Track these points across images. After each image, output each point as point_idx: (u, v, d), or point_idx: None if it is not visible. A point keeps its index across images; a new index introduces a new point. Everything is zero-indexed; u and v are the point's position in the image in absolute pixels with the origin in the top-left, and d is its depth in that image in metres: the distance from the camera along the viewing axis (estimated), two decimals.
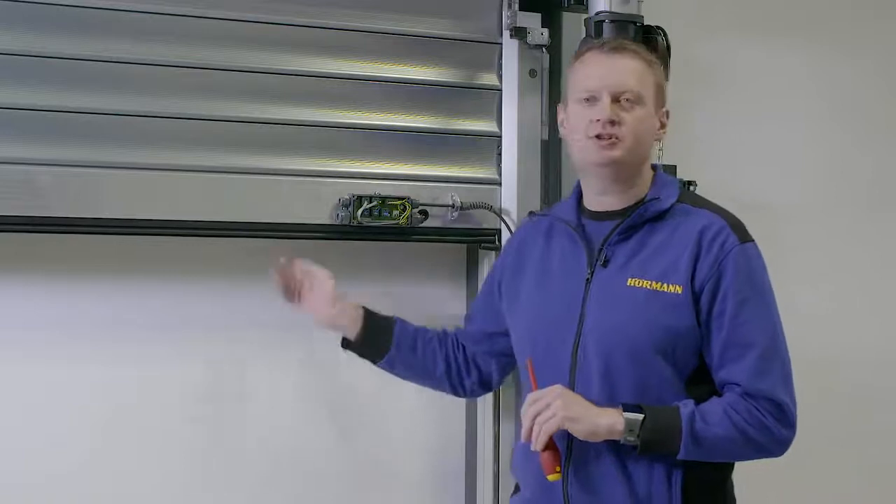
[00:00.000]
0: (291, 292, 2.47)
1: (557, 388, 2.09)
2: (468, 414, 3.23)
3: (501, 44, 3.14)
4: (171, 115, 2.82)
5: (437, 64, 3.10)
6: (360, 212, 2.93)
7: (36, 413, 2.85)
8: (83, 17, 2.74)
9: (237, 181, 2.89)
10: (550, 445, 2.09)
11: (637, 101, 2.14)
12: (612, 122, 2.12)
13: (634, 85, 2.15)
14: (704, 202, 2.23)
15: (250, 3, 2.90)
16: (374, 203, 2.95)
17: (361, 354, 2.45)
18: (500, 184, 3.15)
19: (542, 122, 3.13)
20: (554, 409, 2.05)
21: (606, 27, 3.01)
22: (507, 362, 2.47)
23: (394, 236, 3.03)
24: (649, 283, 2.11)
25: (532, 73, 3.13)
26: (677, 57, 3.08)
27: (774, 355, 2.11)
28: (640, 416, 2.04)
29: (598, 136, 2.12)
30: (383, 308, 3.17)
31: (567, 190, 2.88)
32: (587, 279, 2.16)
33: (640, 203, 2.18)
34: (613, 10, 3.02)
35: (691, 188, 3.17)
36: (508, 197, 3.12)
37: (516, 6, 3.11)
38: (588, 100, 2.15)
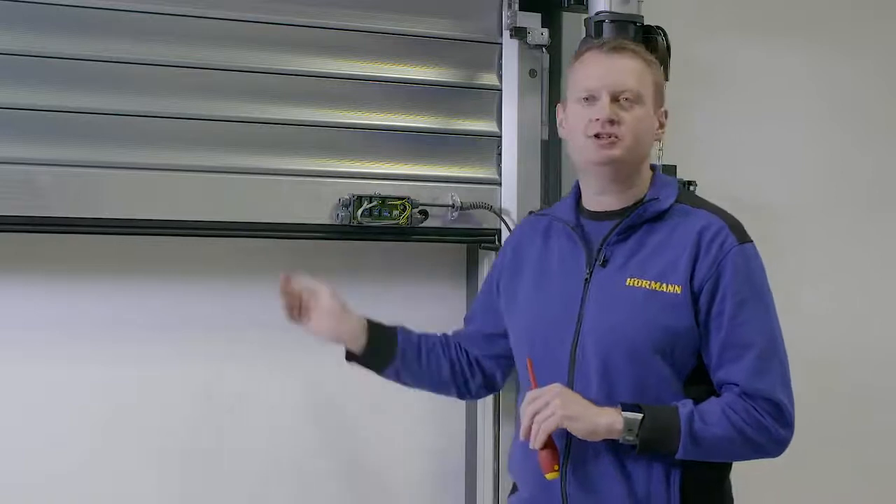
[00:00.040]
0: (296, 311, 2.41)
1: (556, 387, 2.09)
2: (468, 414, 3.23)
3: (501, 44, 3.14)
4: (171, 115, 2.82)
5: (437, 64, 3.10)
6: (360, 212, 2.93)
7: (36, 413, 2.85)
8: (83, 17, 2.74)
9: (237, 181, 2.89)
10: (549, 444, 2.09)
11: (636, 100, 2.15)
12: (612, 122, 2.12)
13: (634, 84, 2.15)
14: (703, 202, 2.23)
15: (250, 3, 2.90)
16: (374, 203, 2.95)
17: (366, 365, 2.44)
18: (500, 184, 3.15)
19: (542, 122, 3.13)
20: (553, 407, 2.05)
21: (606, 27, 3.01)
22: (510, 364, 2.47)
23: (394, 236, 3.03)
24: (648, 283, 2.11)
25: (532, 73, 3.13)
26: (677, 57, 3.08)
27: (773, 356, 2.11)
28: (639, 416, 2.05)
29: (598, 136, 2.12)
30: (384, 308, 3.17)
31: (567, 190, 2.88)
32: (586, 279, 2.16)
33: (639, 203, 2.18)
34: (613, 10, 3.02)
35: (691, 188, 3.17)
36: (508, 197, 3.13)
37: (516, 6, 3.11)
38: (587, 99, 2.15)
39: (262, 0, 2.91)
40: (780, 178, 3.65)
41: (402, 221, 2.98)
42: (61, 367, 2.86)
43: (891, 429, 3.79)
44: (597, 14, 3.03)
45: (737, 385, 2.09)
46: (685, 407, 2.07)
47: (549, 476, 2.09)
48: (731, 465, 2.21)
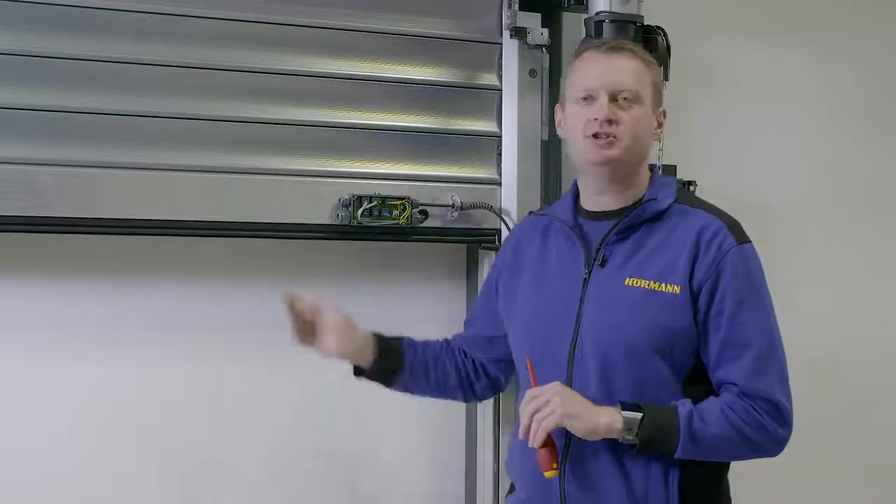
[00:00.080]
0: (304, 332, 2.38)
1: (556, 385, 2.09)
2: (468, 414, 3.23)
3: (501, 44, 3.14)
4: (171, 115, 2.82)
5: (437, 64, 3.10)
6: (360, 212, 2.93)
7: (36, 413, 2.85)
8: (83, 17, 2.74)
9: (237, 181, 2.89)
10: (548, 442, 2.09)
11: (634, 100, 2.15)
12: (610, 121, 2.12)
13: (632, 84, 2.15)
14: (702, 203, 2.23)
15: (250, 3, 2.90)
16: (374, 203, 2.95)
17: (375, 379, 2.43)
18: (500, 184, 3.15)
19: (542, 122, 3.13)
20: (553, 405, 2.05)
21: (606, 27, 3.01)
22: (513, 365, 2.46)
23: (394, 236, 3.03)
24: (647, 282, 2.11)
25: (532, 73, 3.13)
26: (677, 57, 3.08)
27: (771, 355, 2.11)
28: (639, 415, 2.05)
29: (596, 136, 2.12)
30: (384, 308, 3.18)
31: (567, 190, 2.88)
32: (584, 279, 2.16)
33: (638, 203, 2.18)
34: (613, 10, 3.02)
35: (691, 188, 3.17)
36: (508, 197, 3.13)
37: (516, 6, 3.11)
38: (586, 99, 2.16)
39: (262, 0, 2.91)
40: (780, 178, 3.65)
41: (402, 221, 2.98)
42: (61, 367, 2.86)
43: (891, 429, 3.79)
44: (597, 14, 3.03)
45: (735, 385, 2.09)
46: (684, 406, 2.07)
47: (547, 474, 2.09)
48: (729, 464, 2.21)
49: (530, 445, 2.08)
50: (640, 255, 2.14)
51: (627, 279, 2.13)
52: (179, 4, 2.82)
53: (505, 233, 3.04)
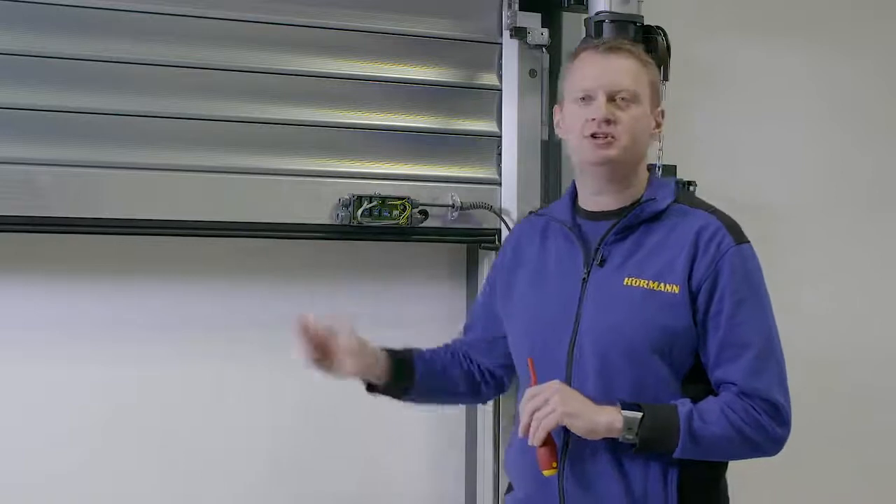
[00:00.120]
0: (320, 356, 2.31)
1: (556, 384, 2.09)
2: (468, 414, 3.23)
3: (501, 44, 3.14)
4: (171, 115, 2.82)
5: (437, 64, 3.10)
6: (360, 212, 2.94)
7: (36, 413, 2.85)
8: (83, 17, 2.74)
9: (237, 181, 2.89)
10: (548, 441, 2.09)
11: (633, 99, 2.15)
12: (608, 121, 2.12)
13: (630, 84, 2.15)
14: (700, 203, 2.23)
15: (250, 3, 2.90)
16: (374, 203, 2.95)
17: (387, 395, 2.42)
18: (500, 184, 3.15)
19: (542, 122, 3.13)
20: (553, 404, 2.05)
21: (606, 27, 3.01)
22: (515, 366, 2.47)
23: (394, 236, 3.03)
24: (646, 282, 2.11)
25: (532, 73, 3.13)
26: (677, 57, 3.08)
27: (770, 355, 2.12)
28: (639, 415, 2.05)
29: (594, 136, 2.13)
30: (384, 308, 3.18)
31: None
32: (583, 279, 2.16)
33: (637, 203, 2.18)
34: (613, 10, 3.02)
35: (691, 188, 3.17)
36: (508, 197, 3.13)
37: (516, 6, 3.11)
38: (584, 99, 2.16)
39: (262, 0, 2.91)
40: (780, 178, 3.65)
41: (402, 221, 2.98)
42: (61, 367, 2.86)
43: (891, 429, 3.79)
44: (597, 14, 3.03)
45: (735, 384, 2.09)
46: (684, 406, 2.07)
47: (546, 473, 2.09)
48: (727, 464, 2.21)
49: (530, 443, 2.08)
50: (638, 254, 2.14)
51: (626, 279, 2.13)
52: (179, 4, 2.82)
53: (505, 233, 3.04)
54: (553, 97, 3.12)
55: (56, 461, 2.85)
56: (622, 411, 2.05)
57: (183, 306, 2.98)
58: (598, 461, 2.12)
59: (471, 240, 3.15)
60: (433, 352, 2.43)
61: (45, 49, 2.71)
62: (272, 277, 3.07)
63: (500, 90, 3.15)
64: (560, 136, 2.28)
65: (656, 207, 2.17)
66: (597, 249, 2.17)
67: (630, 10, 3.04)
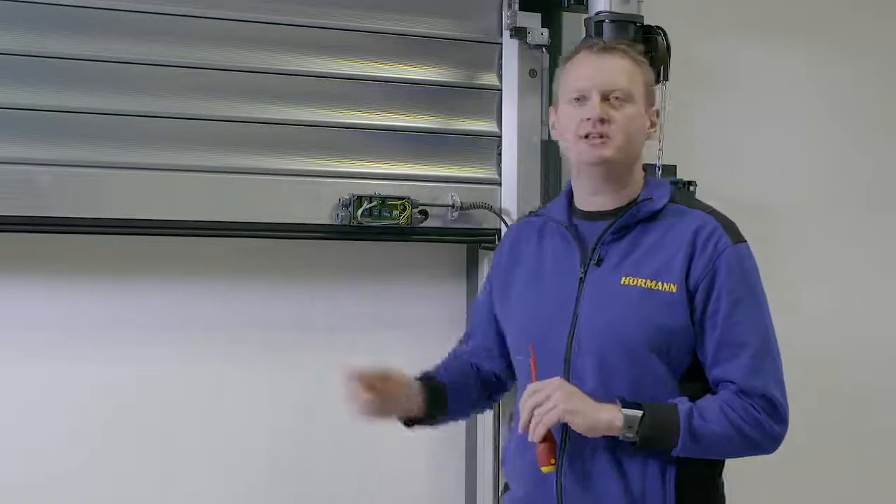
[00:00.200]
0: (380, 406, 2.25)
1: (557, 381, 2.09)
2: None
3: (501, 44, 3.14)
4: (171, 115, 2.82)
5: (437, 64, 3.10)
6: (360, 212, 2.94)
7: (36, 413, 2.85)
8: (83, 17, 2.74)
9: (237, 181, 2.89)
10: (547, 437, 2.09)
11: (627, 99, 2.15)
12: (602, 121, 2.13)
13: (624, 83, 2.16)
14: (697, 203, 2.24)
15: (250, 3, 2.90)
16: (374, 203, 2.95)
17: (423, 425, 2.40)
18: (500, 184, 3.15)
19: (542, 122, 3.13)
20: (554, 400, 2.05)
21: (606, 27, 3.01)
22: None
23: (394, 236, 3.03)
24: (643, 281, 2.12)
25: (532, 73, 3.13)
26: (677, 57, 3.08)
27: (767, 354, 2.13)
28: (639, 413, 2.05)
29: (588, 136, 2.13)
30: (384, 308, 3.18)
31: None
32: (580, 278, 2.17)
33: (633, 203, 2.19)
34: (613, 10, 3.02)
35: (691, 188, 3.17)
36: (508, 197, 3.13)
37: (516, 6, 3.11)
38: (578, 99, 2.16)
39: (262, 0, 2.91)
40: (780, 178, 3.65)
41: (402, 221, 2.98)
42: (61, 367, 2.86)
43: (891, 429, 3.79)
44: (597, 14, 3.03)
45: (733, 383, 2.10)
46: (684, 404, 2.08)
47: (545, 469, 2.09)
48: (724, 462, 2.21)
49: (530, 440, 2.08)
50: (635, 254, 2.15)
51: (623, 278, 2.13)
52: (179, 4, 2.82)
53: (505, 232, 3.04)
54: (553, 97, 3.12)
55: (56, 461, 2.85)
56: (622, 409, 2.06)
57: (183, 306, 2.99)
58: (597, 459, 2.12)
59: (471, 240, 3.15)
60: (450, 371, 2.40)
61: (45, 49, 2.71)
62: (272, 277, 3.07)
63: (500, 90, 3.15)
64: (555, 137, 2.28)
65: (653, 207, 2.17)
66: (594, 249, 2.17)
67: (630, 10, 3.04)
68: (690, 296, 2.10)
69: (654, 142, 3.02)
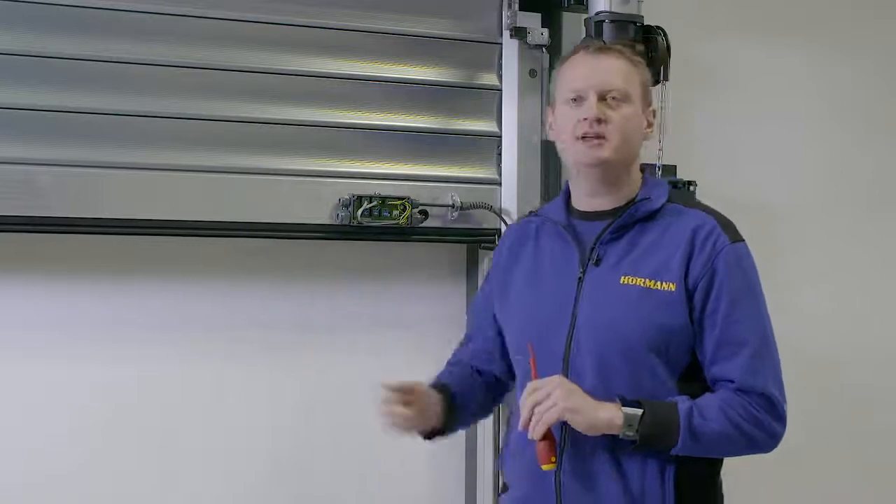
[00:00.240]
0: (415, 420, 2.25)
1: (558, 379, 2.09)
2: None
3: (501, 44, 3.14)
4: (171, 115, 2.82)
5: (437, 64, 3.10)
6: (360, 212, 2.94)
7: (36, 413, 2.85)
8: (83, 17, 2.74)
9: (237, 181, 2.89)
10: (547, 435, 2.08)
11: (624, 99, 2.16)
12: (599, 121, 2.13)
13: (620, 83, 2.16)
14: (695, 202, 2.25)
15: (250, 3, 2.90)
16: (374, 203, 2.95)
17: (441, 435, 2.40)
18: (500, 184, 3.15)
19: (542, 122, 3.13)
20: (554, 398, 2.05)
21: (606, 27, 3.01)
22: None
23: (394, 236, 3.03)
24: (642, 280, 2.12)
25: (532, 73, 3.13)
26: (677, 57, 3.08)
27: (766, 352, 2.13)
28: (639, 411, 2.05)
29: (585, 136, 2.13)
30: (384, 308, 3.18)
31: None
32: (579, 278, 2.17)
33: (631, 203, 2.19)
34: (613, 10, 3.02)
35: (691, 188, 3.17)
36: (508, 197, 3.13)
37: (516, 6, 3.11)
38: (575, 100, 2.16)
39: (262, 0, 2.91)
40: (780, 178, 3.65)
41: (402, 221, 2.98)
42: (61, 367, 2.86)
43: (891, 429, 3.79)
44: (597, 14, 3.04)
45: (732, 381, 2.10)
46: (683, 403, 2.08)
47: (545, 467, 2.09)
48: (723, 461, 2.22)
49: (530, 437, 2.08)
50: (633, 253, 2.15)
51: (623, 278, 2.13)
52: (179, 4, 2.82)
53: None
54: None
55: (56, 461, 2.85)
56: (622, 408, 2.06)
57: (183, 306, 2.99)
58: (596, 458, 2.12)
59: (471, 240, 3.15)
60: (455, 378, 2.39)
61: (45, 49, 2.71)
62: (272, 277, 3.07)
63: (500, 90, 3.15)
64: (552, 138, 2.28)
65: (651, 207, 2.17)
66: (592, 249, 2.17)
67: (630, 10, 3.04)
68: (689, 295, 2.11)
69: (654, 142, 3.03)
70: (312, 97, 2.97)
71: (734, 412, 2.07)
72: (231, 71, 2.88)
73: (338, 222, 2.96)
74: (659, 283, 2.11)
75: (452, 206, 3.06)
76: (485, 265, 3.15)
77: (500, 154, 3.15)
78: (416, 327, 3.18)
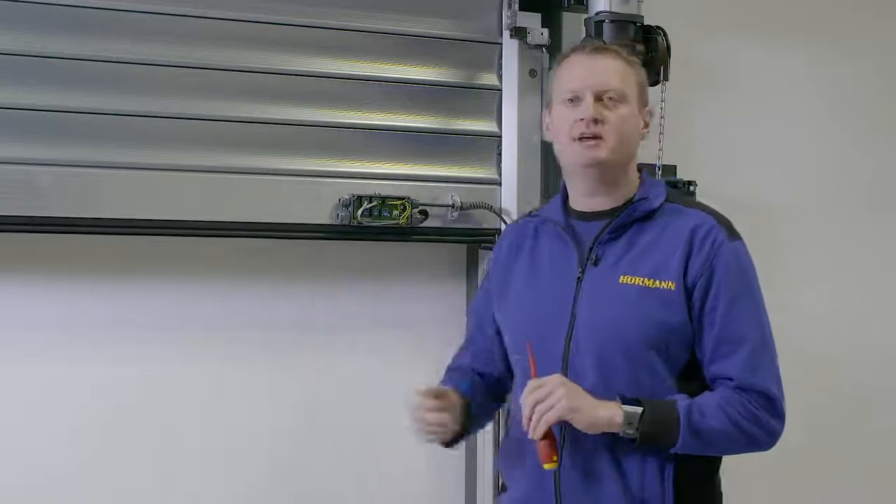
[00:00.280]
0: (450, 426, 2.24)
1: (558, 378, 2.09)
2: None
3: (501, 44, 3.14)
4: (171, 115, 2.82)
5: (437, 64, 3.10)
6: (360, 212, 2.94)
7: (36, 413, 2.85)
8: (83, 17, 2.74)
9: (237, 181, 2.89)
10: (548, 434, 2.08)
11: (620, 99, 2.16)
12: (596, 121, 2.13)
13: (617, 84, 2.17)
14: (692, 202, 2.26)
15: (250, 3, 2.90)
16: (374, 203, 2.95)
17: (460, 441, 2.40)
18: (500, 184, 3.15)
19: (541, 122, 3.12)
20: (556, 397, 2.05)
21: (606, 27, 3.01)
22: None
23: (394, 236, 3.03)
24: (641, 279, 2.13)
25: (532, 73, 3.13)
26: (677, 57, 3.08)
27: (764, 350, 2.14)
28: (639, 409, 2.05)
29: (582, 137, 2.13)
30: (384, 308, 3.18)
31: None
32: (578, 277, 2.17)
33: (629, 203, 2.19)
34: (613, 10, 3.02)
35: (691, 188, 3.17)
36: (508, 197, 3.13)
37: (516, 6, 3.11)
38: (572, 100, 2.17)
39: (262, 0, 2.91)
40: (780, 178, 3.65)
41: (402, 221, 2.98)
42: (61, 367, 2.86)
43: (891, 429, 3.79)
44: (597, 14, 3.04)
45: (731, 379, 2.11)
46: (683, 401, 2.08)
47: (547, 466, 2.09)
48: (721, 459, 2.22)
49: (531, 437, 2.08)
50: (632, 253, 2.16)
51: (622, 277, 2.14)
52: (179, 4, 2.82)
53: None
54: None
55: (56, 461, 2.85)
56: (622, 406, 2.06)
57: (183, 306, 2.99)
58: (596, 457, 2.12)
59: (471, 240, 3.15)
60: (467, 382, 2.39)
61: (45, 49, 2.71)
62: (272, 277, 3.07)
63: (500, 90, 3.15)
64: (548, 139, 2.29)
65: (649, 206, 2.18)
66: (591, 249, 2.17)
67: (630, 10, 3.04)
68: (688, 293, 2.11)
69: (654, 142, 3.03)
70: (312, 97, 2.97)
71: (733, 410, 2.08)
72: (231, 71, 2.88)
73: (338, 222, 2.95)
74: (658, 281, 2.12)
75: (452, 206, 3.06)
76: (485, 265, 3.14)
77: (500, 154, 3.15)
78: (416, 327, 3.18)
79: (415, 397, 2.20)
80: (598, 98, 2.14)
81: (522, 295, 2.26)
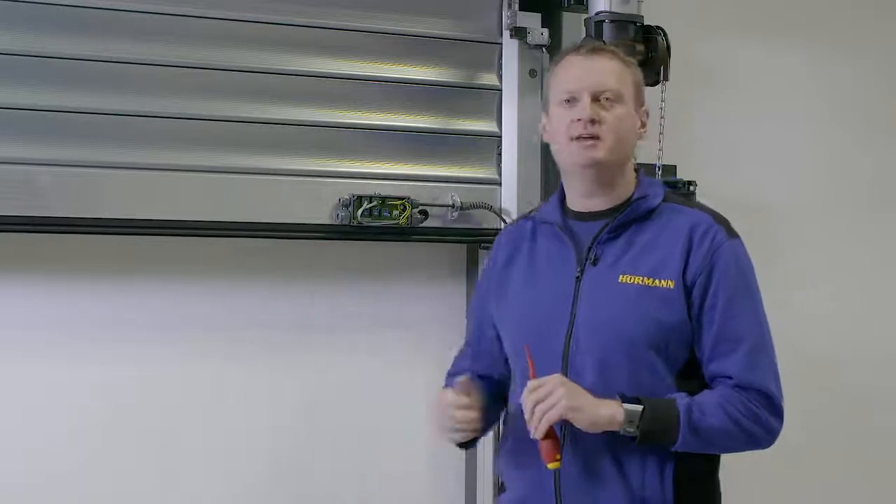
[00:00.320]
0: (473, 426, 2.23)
1: (558, 377, 2.09)
2: None
3: (501, 44, 3.14)
4: (171, 115, 2.82)
5: (437, 64, 3.10)
6: (360, 212, 2.94)
7: (36, 413, 2.85)
8: (83, 17, 2.74)
9: (237, 181, 2.89)
10: (550, 434, 2.08)
11: (617, 99, 2.17)
12: (593, 121, 2.13)
13: (614, 84, 2.17)
14: (691, 202, 2.27)
15: (250, 3, 2.90)
16: (374, 203, 2.95)
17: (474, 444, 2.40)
18: (500, 184, 3.15)
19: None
20: (557, 396, 2.05)
21: (606, 27, 3.01)
22: None
23: (394, 236, 3.03)
24: (640, 279, 2.13)
25: (532, 73, 3.13)
26: (677, 57, 3.08)
27: (763, 349, 2.15)
28: (640, 408, 2.06)
29: (580, 137, 2.14)
30: (384, 308, 3.18)
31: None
32: (577, 277, 2.17)
33: (627, 202, 2.19)
34: (613, 10, 3.02)
35: (691, 188, 3.17)
36: (508, 197, 3.13)
37: (516, 6, 3.11)
38: (569, 101, 2.17)
39: (262, 0, 2.91)
40: (780, 178, 3.65)
41: (402, 221, 2.98)
42: (61, 367, 2.86)
43: (891, 428, 3.79)
44: (597, 14, 3.04)
45: (730, 378, 2.11)
46: (683, 399, 2.09)
47: (550, 466, 2.09)
48: (720, 458, 2.22)
49: (532, 436, 2.08)
50: (631, 252, 2.16)
51: (621, 276, 2.14)
52: (179, 4, 2.82)
53: None
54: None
55: (56, 461, 2.85)
56: (623, 404, 2.06)
57: (183, 306, 2.99)
58: (596, 456, 2.12)
59: (471, 240, 3.15)
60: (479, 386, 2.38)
61: (45, 49, 2.71)
62: (272, 277, 3.07)
63: (500, 90, 3.15)
64: (546, 140, 2.29)
65: (648, 205, 2.18)
66: (589, 248, 2.18)
67: (630, 10, 3.04)
68: (688, 291, 2.12)
69: (654, 142, 3.03)
70: (312, 97, 2.97)
71: (733, 408, 2.09)
72: (231, 71, 2.88)
73: (338, 222, 2.95)
74: (657, 280, 2.12)
75: (452, 206, 3.06)
76: (484, 265, 3.14)
77: (500, 154, 3.15)
78: (416, 327, 3.18)
79: (438, 395, 2.20)
80: (595, 98, 2.15)
81: (521, 295, 2.26)
